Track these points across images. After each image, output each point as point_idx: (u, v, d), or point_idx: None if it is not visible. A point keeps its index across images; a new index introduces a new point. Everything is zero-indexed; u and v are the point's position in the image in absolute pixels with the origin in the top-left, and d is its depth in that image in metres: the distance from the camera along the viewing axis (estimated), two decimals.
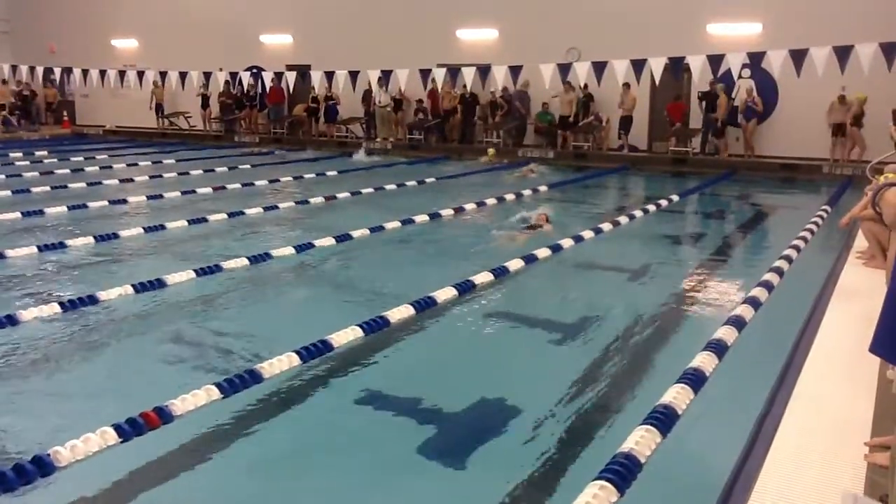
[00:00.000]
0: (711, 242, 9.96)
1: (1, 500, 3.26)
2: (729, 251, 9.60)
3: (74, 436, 3.62)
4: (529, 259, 7.78)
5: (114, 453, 3.66)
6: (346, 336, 5.21)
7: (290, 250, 8.14)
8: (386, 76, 18.62)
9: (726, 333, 5.19)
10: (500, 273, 7.23)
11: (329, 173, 15.63)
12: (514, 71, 17.04)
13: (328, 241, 8.59)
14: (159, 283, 6.64)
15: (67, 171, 15.47)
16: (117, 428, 3.73)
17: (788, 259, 7.58)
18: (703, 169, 16.87)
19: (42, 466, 3.43)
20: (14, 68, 22.95)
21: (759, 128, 17.56)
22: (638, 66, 15.59)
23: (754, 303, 6.00)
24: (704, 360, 4.63)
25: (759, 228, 11.50)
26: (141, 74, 21.09)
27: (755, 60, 15.15)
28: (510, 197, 12.55)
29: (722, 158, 17.59)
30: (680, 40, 16.59)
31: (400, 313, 5.79)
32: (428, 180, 14.73)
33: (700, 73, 15.87)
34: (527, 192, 13.10)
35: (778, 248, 8.15)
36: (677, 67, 15.95)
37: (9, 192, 12.09)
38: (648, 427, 3.69)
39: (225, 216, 10.21)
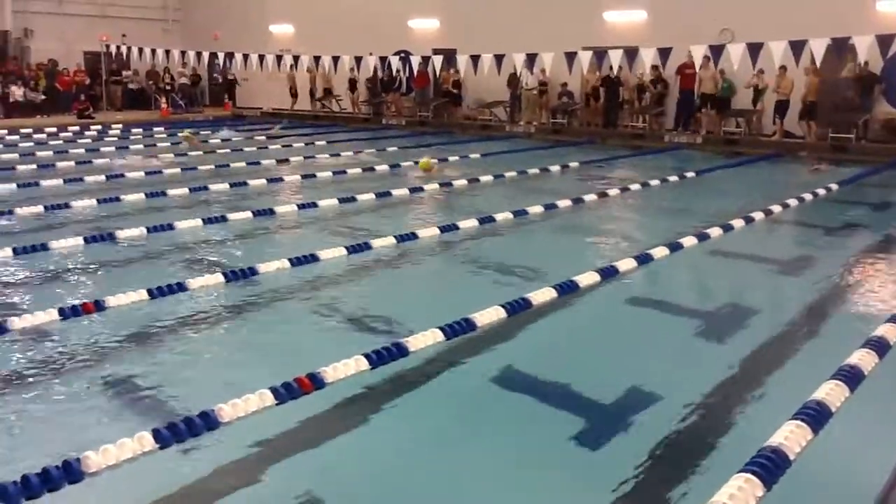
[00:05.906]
0: (872, 236, 9.30)
1: (171, 448, 3.56)
2: (891, 246, 8.98)
3: (236, 395, 3.88)
4: (674, 247, 7.60)
5: (270, 413, 3.91)
6: (489, 316, 5.29)
7: (434, 231, 8.34)
8: (531, 59, 18.55)
9: (888, 331, 4.90)
10: (644, 260, 7.12)
11: (472, 156, 15.79)
12: (664, 53, 16.56)
13: (472, 223, 8.74)
14: (313, 258, 6.97)
15: (229, 150, 16.44)
16: (274, 390, 3.98)
17: None
18: (864, 157, 15.78)
19: (208, 421, 3.71)
20: (183, 54, 24.55)
21: None
22: (797, 46, 14.76)
23: None
24: (863, 358, 4.40)
25: None
26: (296, 59, 22.03)
27: None
28: (655, 182, 12.26)
29: (890, 147, 16.39)
30: (845, 19, 15.55)
31: (542, 295, 5.83)
32: (571, 164, 14.62)
33: (867, 55, 14.85)
34: (673, 178, 12.76)
35: None
36: (841, 48, 14.97)
37: (178, 170, 13.01)
38: (799, 422, 3.55)
39: (373, 196, 10.56)
